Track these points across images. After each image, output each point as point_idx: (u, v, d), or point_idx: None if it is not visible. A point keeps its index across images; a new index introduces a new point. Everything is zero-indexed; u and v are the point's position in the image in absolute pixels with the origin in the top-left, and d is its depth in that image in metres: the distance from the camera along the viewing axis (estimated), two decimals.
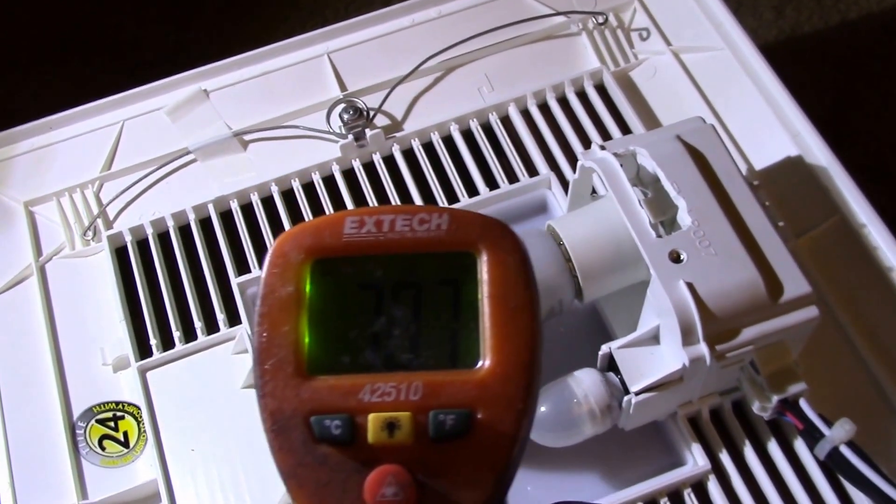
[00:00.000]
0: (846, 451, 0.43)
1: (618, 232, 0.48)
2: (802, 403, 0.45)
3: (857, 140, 0.97)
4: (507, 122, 0.63)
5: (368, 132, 0.61)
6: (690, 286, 0.44)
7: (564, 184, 0.59)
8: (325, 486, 0.27)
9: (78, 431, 0.54)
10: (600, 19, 0.67)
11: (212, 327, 0.56)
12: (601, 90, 0.64)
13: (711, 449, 0.49)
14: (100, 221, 0.61)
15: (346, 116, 0.62)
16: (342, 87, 0.65)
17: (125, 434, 0.54)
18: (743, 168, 0.58)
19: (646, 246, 0.45)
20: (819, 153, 0.59)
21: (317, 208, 0.60)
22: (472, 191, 0.60)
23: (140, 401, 0.54)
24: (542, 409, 0.47)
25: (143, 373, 0.55)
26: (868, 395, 0.52)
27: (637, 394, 0.46)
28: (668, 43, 0.66)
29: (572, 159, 0.60)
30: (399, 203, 0.60)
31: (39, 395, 0.56)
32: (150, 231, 0.60)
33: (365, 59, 0.67)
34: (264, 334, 0.28)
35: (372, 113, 0.63)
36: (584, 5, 0.68)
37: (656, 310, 0.46)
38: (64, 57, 1.10)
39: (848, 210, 0.57)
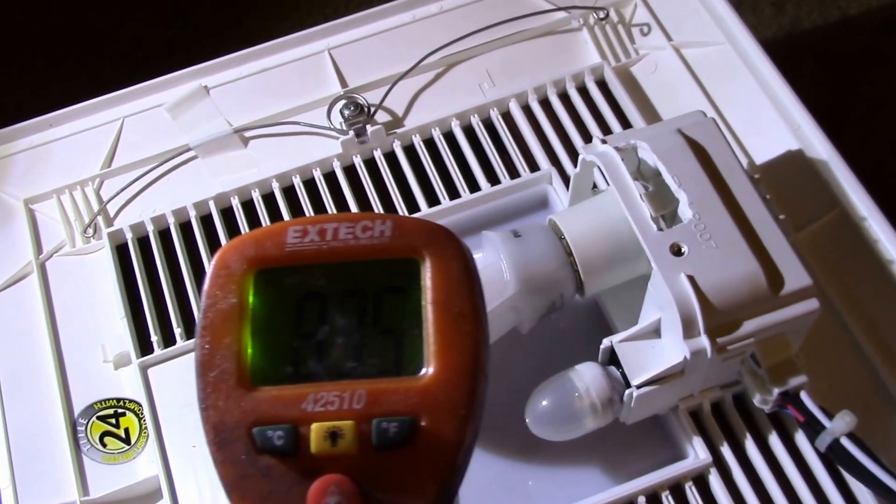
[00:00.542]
0: (847, 442, 0.43)
1: (619, 226, 0.48)
2: (803, 396, 0.45)
3: (854, 136, 0.97)
4: (508, 117, 0.63)
5: (369, 128, 0.61)
6: (691, 279, 0.44)
7: (566, 179, 0.59)
8: (268, 497, 0.27)
9: (79, 428, 0.54)
10: (601, 14, 0.67)
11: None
12: (602, 85, 0.64)
13: (713, 442, 0.49)
14: (100, 219, 0.61)
15: (346, 112, 0.62)
16: (343, 83, 0.65)
17: (126, 431, 0.54)
18: (744, 162, 0.58)
19: (647, 239, 0.45)
20: (819, 147, 0.59)
21: (318, 205, 0.60)
22: (473, 186, 0.60)
23: (141, 397, 0.54)
24: (544, 403, 0.47)
25: (144, 369, 0.55)
26: (868, 388, 0.52)
27: (638, 387, 0.46)
28: (669, 38, 0.66)
29: (573, 154, 0.60)
30: (400, 199, 0.59)
31: (40, 392, 0.56)
32: (150, 228, 0.60)
33: (366, 54, 0.67)
34: (206, 346, 0.28)
35: (373, 109, 0.63)
36: (584, 1, 0.68)
37: (657, 303, 0.46)
38: (63, 56, 1.10)
39: (848, 203, 0.57)
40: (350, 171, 0.62)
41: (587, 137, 0.61)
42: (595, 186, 0.54)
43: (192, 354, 0.54)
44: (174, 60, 0.70)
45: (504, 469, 0.51)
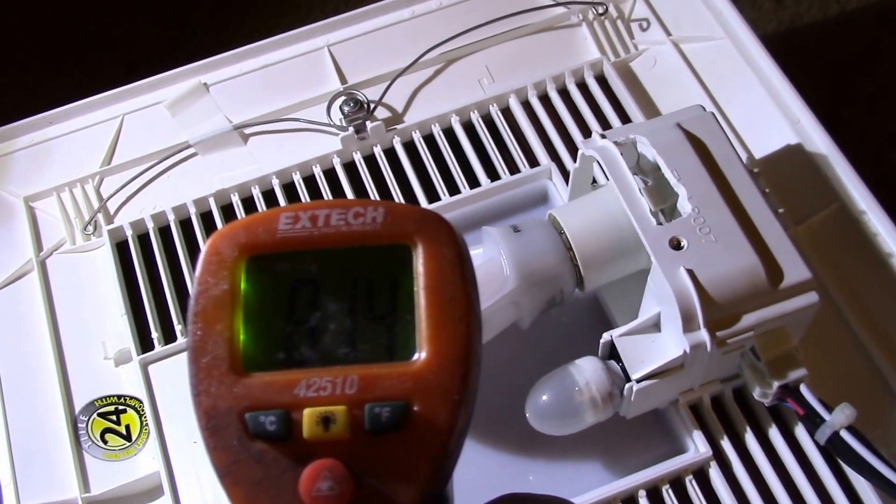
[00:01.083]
0: (847, 435, 0.43)
1: (618, 220, 0.48)
2: (803, 389, 0.45)
3: (853, 130, 0.97)
4: (507, 113, 0.63)
5: (369, 124, 0.61)
6: (691, 273, 0.44)
7: (565, 174, 0.59)
8: (260, 482, 0.27)
9: (80, 425, 0.54)
10: (600, 10, 0.67)
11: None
12: (601, 81, 0.64)
13: (713, 436, 0.50)
14: (100, 216, 0.61)
15: (346, 109, 0.62)
16: (342, 79, 0.65)
17: (127, 427, 0.54)
18: (743, 156, 0.58)
19: (646, 233, 0.45)
20: (819, 141, 0.59)
21: None
22: (473, 182, 0.60)
23: (142, 394, 0.54)
24: (544, 397, 0.47)
25: (144, 366, 0.55)
26: (868, 380, 0.52)
27: (638, 381, 0.46)
28: (668, 33, 0.66)
29: (573, 150, 0.60)
30: (400, 195, 0.60)
31: (41, 389, 0.56)
32: (150, 225, 0.60)
33: (365, 51, 0.67)
34: (198, 332, 0.28)
35: (372, 105, 0.63)
36: None
37: (657, 297, 0.46)
38: (62, 54, 1.10)
39: (847, 197, 0.57)
40: (350, 168, 0.62)
41: (587, 133, 0.61)
42: (594, 181, 0.54)
43: None
44: (174, 57, 0.70)
45: (504, 463, 0.51)
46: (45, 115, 0.66)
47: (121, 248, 0.60)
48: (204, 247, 0.28)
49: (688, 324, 0.44)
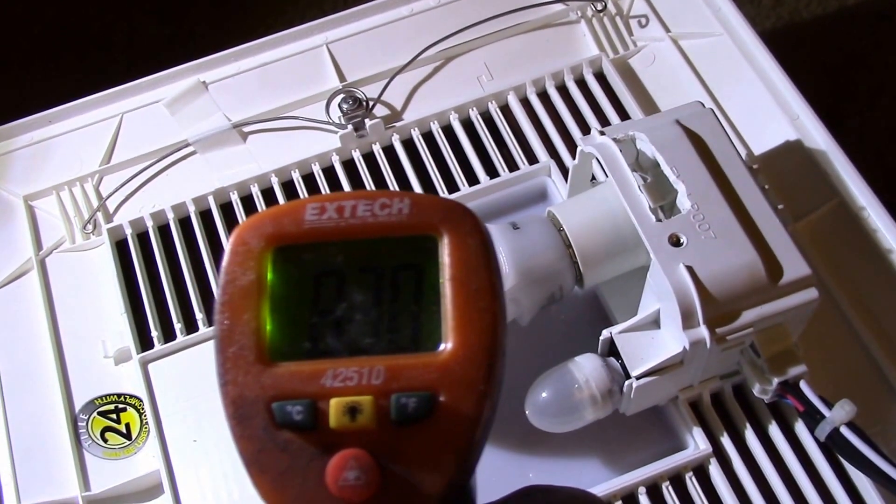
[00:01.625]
0: (846, 431, 0.43)
1: (618, 217, 0.48)
2: (803, 385, 0.45)
3: (852, 126, 0.97)
4: (506, 110, 0.63)
5: (368, 122, 0.61)
6: (690, 269, 0.44)
7: (564, 171, 0.59)
8: (286, 471, 0.27)
9: (80, 424, 0.54)
10: (599, 6, 0.67)
11: (213, 318, 0.56)
12: (600, 78, 0.64)
13: (712, 432, 0.50)
14: (100, 215, 0.61)
15: (345, 107, 0.62)
16: (341, 77, 0.65)
17: (127, 426, 0.54)
18: (742, 152, 0.58)
19: (645, 230, 0.45)
20: (818, 137, 0.59)
21: None
22: (472, 179, 0.60)
23: (142, 393, 0.54)
24: (544, 394, 0.47)
25: (144, 365, 0.55)
26: (867, 377, 0.52)
27: (638, 378, 0.46)
28: (667, 29, 0.66)
29: (572, 147, 0.60)
30: None
31: (41, 388, 0.56)
32: (150, 224, 0.60)
33: (364, 48, 0.67)
34: (225, 322, 0.28)
35: (371, 103, 0.63)
36: None
37: (656, 294, 0.46)
38: (61, 53, 1.10)
39: (847, 193, 0.57)
40: (349, 166, 0.62)
41: (586, 130, 0.61)
42: (594, 178, 0.54)
43: (193, 350, 0.55)
44: (172, 56, 0.70)
45: (504, 461, 0.51)
46: (44, 114, 0.66)
47: (120, 247, 0.60)
48: (231, 237, 0.28)
49: (687, 320, 0.44)
